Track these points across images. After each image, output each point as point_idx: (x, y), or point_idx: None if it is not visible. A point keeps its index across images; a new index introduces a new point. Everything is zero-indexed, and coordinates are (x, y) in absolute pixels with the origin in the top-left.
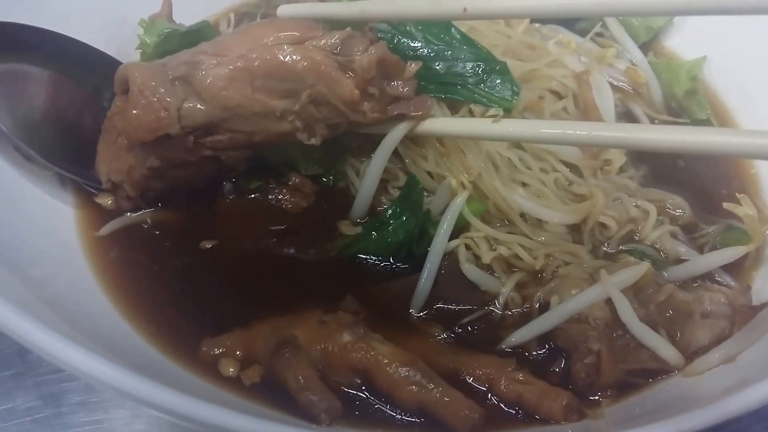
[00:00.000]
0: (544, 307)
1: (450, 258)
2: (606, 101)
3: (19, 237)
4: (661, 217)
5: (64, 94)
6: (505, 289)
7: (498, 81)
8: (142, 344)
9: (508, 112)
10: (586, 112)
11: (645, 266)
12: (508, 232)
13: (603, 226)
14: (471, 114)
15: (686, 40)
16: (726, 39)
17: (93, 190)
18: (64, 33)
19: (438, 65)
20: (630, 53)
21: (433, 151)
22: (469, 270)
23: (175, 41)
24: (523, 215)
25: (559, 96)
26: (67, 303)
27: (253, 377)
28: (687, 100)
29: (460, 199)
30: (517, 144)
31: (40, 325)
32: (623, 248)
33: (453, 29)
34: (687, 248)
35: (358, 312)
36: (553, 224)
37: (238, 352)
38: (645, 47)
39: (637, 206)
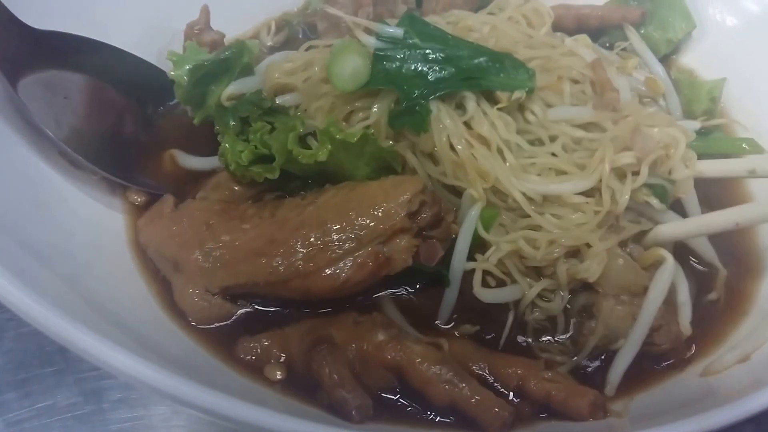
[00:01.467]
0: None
1: (472, 273)
2: (621, 81)
3: (64, 240)
4: None
5: (106, 100)
6: (528, 296)
7: (511, 67)
8: (182, 340)
9: (530, 93)
10: (603, 92)
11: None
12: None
13: (618, 177)
14: (495, 101)
15: (703, 56)
16: (744, 55)
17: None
18: (104, 41)
19: (455, 65)
20: (651, 66)
21: (450, 164)
22: (483, 294)
23: (206, 74)
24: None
25: (576, 82)
26: (109, 303)
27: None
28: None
29: (474, 212)
30: (524, 126)
31: (78, 325)
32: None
33: (449, 36)
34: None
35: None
36: (571, 195)
37: (274, 350)
38: (665, 60)
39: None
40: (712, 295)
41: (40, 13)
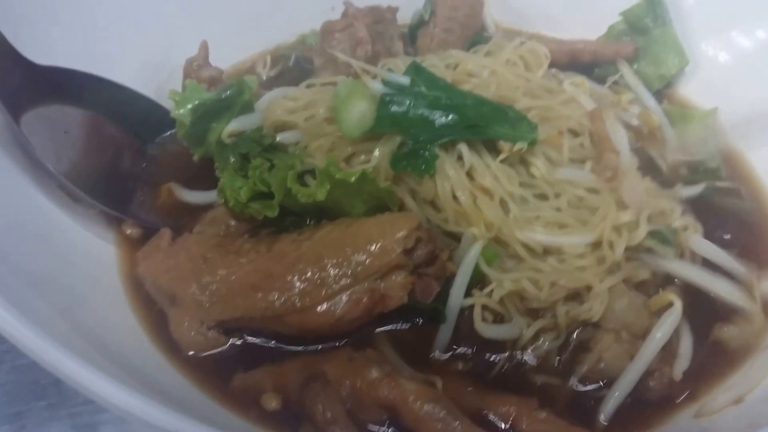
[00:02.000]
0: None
1: (469, 309)
2: (619, 136)
3: (62, 272)
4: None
5: (104, 134)
6: (526, 335)
7: (515, 119)
8: (176, 377)
9: (532, 145)
10: (600, 144)
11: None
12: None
13: (617, 232)
14: (497, 151)
15: (698, 89)
16: (737, 89)
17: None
18: (104, 76)
19: (460, 112)
20: (644, 100)
21: (453, 213)
22: (484, 329)
23: (207, 112)
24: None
25: (575, 133)
26: (103, 336)
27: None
28: (699, 148)
29: (474, 251)
30: (527, 179)
31: (74, 357)
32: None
33: (456, 88)
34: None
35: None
36: (574, 247)
37: (268, 386)
38: (659, 95)
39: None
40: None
41: (42, 49)
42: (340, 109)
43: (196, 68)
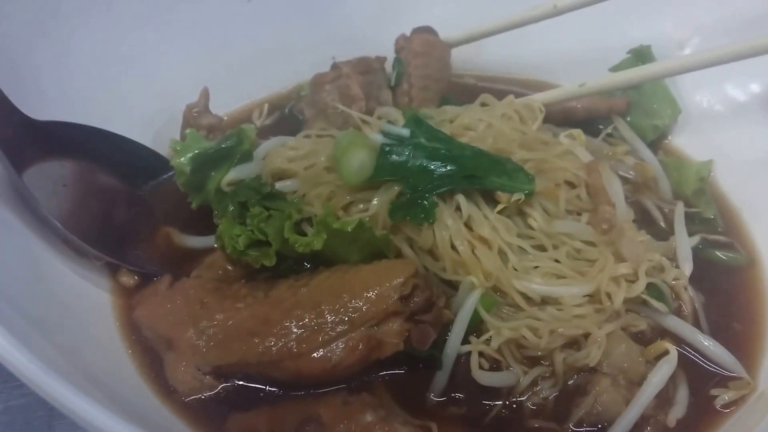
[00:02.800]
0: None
1: (466, 356)
2: (615, 188)
3: (59, 317)
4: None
5: (102, 185)
6: (523, 382)
7: (512, 170)
8: (171, 418)
9: (529, 197)
10: (596, 196)
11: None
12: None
13: (616, 283)
14: (495, 202)
15: (693, 140)
16: (731, 140)
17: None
18: (102, 122)
19: (458, 163)
20: (639, 151)
21: (451, 262)
22: (482, 377)
23: (208, 162)
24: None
25: (572, 185)
26: (100, 377)
27: None
28: (695, 199)
29: (472, 299)
30: (525, 231)
31: (75, 390)
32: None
33: (455, 140)
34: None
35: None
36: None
37: (263, 429)
38: (653, 146)
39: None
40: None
41: (40, 100)
42: (341, 158)
43: (195, 115)
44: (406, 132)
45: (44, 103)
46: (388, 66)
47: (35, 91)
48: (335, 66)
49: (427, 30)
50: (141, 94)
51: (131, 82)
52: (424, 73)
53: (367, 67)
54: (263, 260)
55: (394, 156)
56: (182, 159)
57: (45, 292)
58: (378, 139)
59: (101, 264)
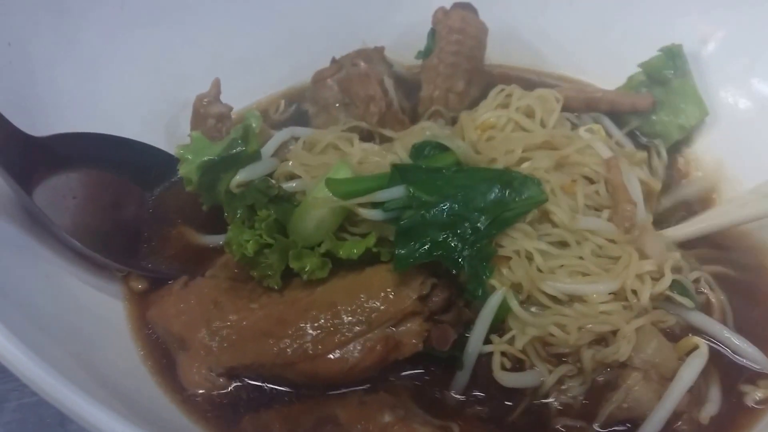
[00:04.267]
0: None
1: (487, 356)
2: (634, 186)
3: (72, 321)
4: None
5: (112, 192)
6: (548, 382)
7: (520, 186)
8: (184, 419)
9: (544, 203)
10: (616, 193)
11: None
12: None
13: (641, 280)
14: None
15: (719, 138)
16: (758, 136)
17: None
18: (116, 125)
19: (476, 209)
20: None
21: None
22: (504, 378)
23: (215, 166)
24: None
25: (591, 181)
26: (113, 379)
27: None
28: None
29: (496, 299)
30: (547, 230)
31: (84, 395)
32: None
33: (447, 173)
34: None
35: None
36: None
37: (278, 429)
38: (678, 146)
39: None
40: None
41: (51, 102)
42: (297, 219)
43: (205, 104)
44: (399, 191)
45: (56, 103)
46: (387, 53)
47: (47, 93)
48: (335, 61)
49: (467, 7)
50: (155, 91)
51: (145, 79)
52: (455, 49)
53: (366, 58)
54: (270, 282)
55: (415, 240)
56: (189, 168)
57: (58, 298)
58: (376, 216)
59: (115, 270)
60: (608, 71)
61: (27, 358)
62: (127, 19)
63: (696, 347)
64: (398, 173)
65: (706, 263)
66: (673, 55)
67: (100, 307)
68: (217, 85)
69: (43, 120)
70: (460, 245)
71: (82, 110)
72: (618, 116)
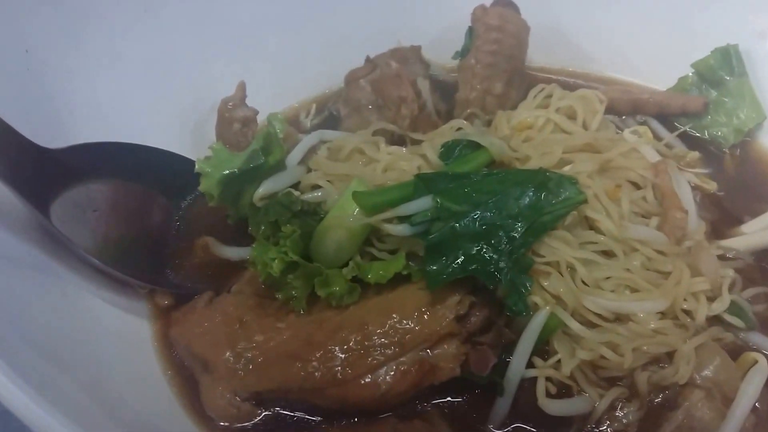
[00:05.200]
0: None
1: (530, 381)
2: (685, 193)
3: (90, 344)
4: None
5: (135, 201)
6: (599, 408)
7: (556, 187)
8: None
9: (583, 204)
10: (665, 200)
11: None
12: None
13: (695, 299)
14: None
15: None
16: None
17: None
18: (144, 131)
19: (510, 220)
20: None
21: None
22: (550, 405)
23: (237, 179)
24: None
25: (637, 186)
26: (132, 405)
27: None
28: None
29: (540, 319)
30: (591, 237)
31: None
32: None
33: (475, 178)
34: None
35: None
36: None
37: None
38: (735, 150)
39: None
40: None
41: (77, 110)
42: (317, 242)
43: (230, 108)
44: (426, 202)
45: (78, 112)
46: (425, 54)
47: (68, 101)
48: (369, 60)
49: (508, 4)
50: (182, 97)
51: (171, 84)
52: (494, 48)
53: (401, 58)
54: (295, 305)
55: (447, 255)
56: (210, 183)
57: (76, 319)
58: (404, 231)
59: (137, 286)
60: (658, 72)
61: (33, 402)
62: (151, 24)
63: (755, 362)
64: (423, 183)
65: None
66: (728, 56)
67: (123, 326)
68: (242, 88)
69: (66, 129)
70: (495, 257)
71: (105, 119)
72: (668, 119)
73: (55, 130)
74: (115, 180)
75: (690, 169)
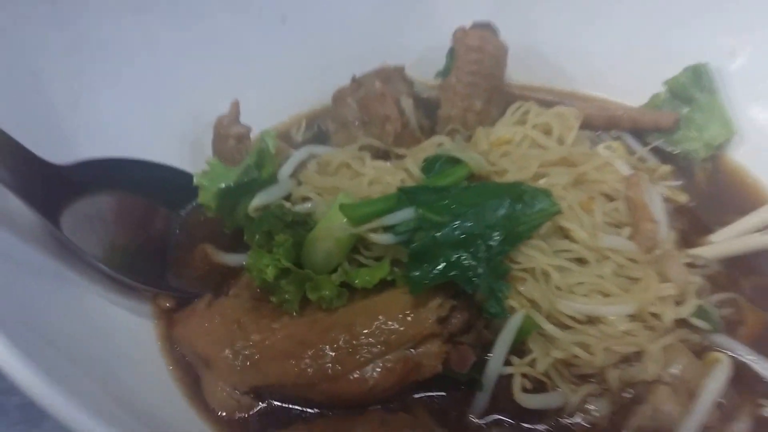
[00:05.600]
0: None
1: (508, 377)
2: (657, 205)
3: (99, 344)
4: None
5: (137, 212)
6: (572, 402)
7: (530, 199)
8: None
9: (557, 214)
10: (637, 212)
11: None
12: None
13: (663, 302)
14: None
15: (748, 156)
16: None
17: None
18: (141, 149)
19: (488, 227)
20: None
21: None
22: (525, 399)
23: (233, 192)
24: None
25: (610, 198)
26: (140, 397)
27: None
28: None
29: (516, 321)
30: (564, 245)
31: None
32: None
33: (454, 191)
34: None
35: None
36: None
37: None
38: (705, 163)
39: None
40: None
41: (77, 131)
42: (307, 249)
43: (225, 125)
44: (409, 213)
45: (82, 128)
46: (408, 72)
47: (77, 119)
48: (355, 80)
49: (486, 26)
50: (181, 114)
51: (170, 103)
52: (474, 68)
53: (385, 77)
54: (288, 308)
55: (428, 264)
56: (207, 195)
57: (86, 320)
58: (387, 240)
59: (142, 290)
60: (632, 89)
61: (53, 390)
62: (151, 49)
63: (718, 362)
64: (406, 196)
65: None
66: (699, 73)
67: (130, 326)
68: (236, 106)
69: (72, 146)
70: (474, 263)
71: (109, 136)
72: (641, 134)
73: (62, 147)
74: (120, 192)
75: (662, 182)
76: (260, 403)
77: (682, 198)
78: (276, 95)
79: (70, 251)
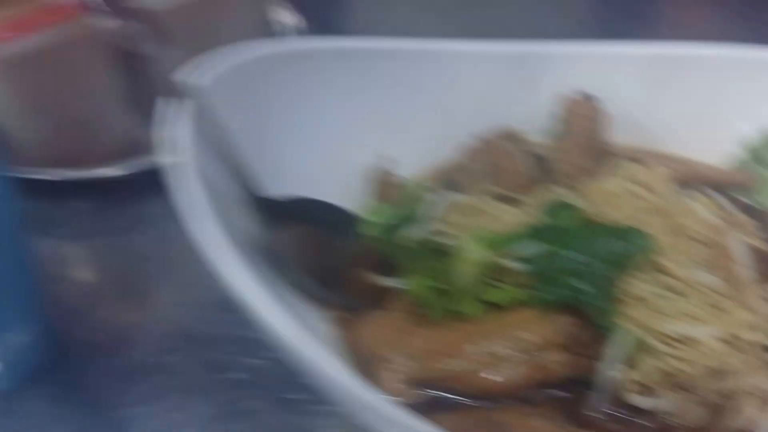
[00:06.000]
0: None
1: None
2: (742, 251)
3: None
4: None
5: (322, 243)
6: (673, 407)
7: (634, 238)
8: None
9: (653, 252)
10: (723, 253)
11: None
12: None
13: (750, 329)
14: None
15: None
16: None
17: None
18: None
19: (599, 262)
20: None
21: None
22: (635, 400)
23: (390, 230)
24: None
25: (700, 242)
26: None
27: None
28: None
29: (623, 336)
30: (660, 278)
31: None
32: None
33: (584, 229)
34: None
35: None
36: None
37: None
38: None
39: None
40: None
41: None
42: (451, 270)
43: (382, 176)
44: (537, 246)
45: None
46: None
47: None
48: (481, 138)
49: (591, 97)
50: (349, 162)
51: (342, 151)
52: (587, 134)
53: (508, 136)
54: (436, 319)
55: (543, 271)
56: (372, 230)
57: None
58: (519, 267)
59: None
60: (709, 147)
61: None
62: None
63: None
64: (534, 232)
65: None
66: None
67: (323, 329)
68: (391, 161)
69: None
70: (588, 288)
71: (289, 176)
72: (723, 191)
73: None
74: (311, 225)
75: (747, 233)
76: (424, 393)
77: (765, 247)
78: (420, 151)
79: (274, 268)
